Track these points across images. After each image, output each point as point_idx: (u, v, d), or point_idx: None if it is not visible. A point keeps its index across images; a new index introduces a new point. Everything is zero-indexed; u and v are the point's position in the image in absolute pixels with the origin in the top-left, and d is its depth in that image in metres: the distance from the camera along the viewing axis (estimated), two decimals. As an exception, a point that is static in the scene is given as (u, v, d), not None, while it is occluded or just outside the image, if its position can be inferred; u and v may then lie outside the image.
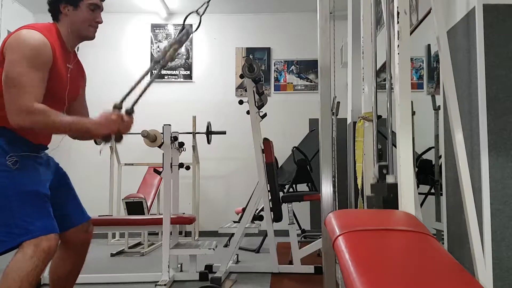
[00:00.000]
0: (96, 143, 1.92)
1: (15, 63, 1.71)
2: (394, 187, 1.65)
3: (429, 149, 3.97)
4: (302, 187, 5.22)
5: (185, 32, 1.93)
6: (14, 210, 1.71)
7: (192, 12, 1.97)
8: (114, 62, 6.41)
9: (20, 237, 1.68)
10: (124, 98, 1.90)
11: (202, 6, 2.00)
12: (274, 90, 6.43)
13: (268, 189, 3.66)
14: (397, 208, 1.59)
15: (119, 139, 1.92)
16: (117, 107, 1.86)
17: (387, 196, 1.71)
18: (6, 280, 1.64)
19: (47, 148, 1.97)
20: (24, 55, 1.71)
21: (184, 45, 1.96)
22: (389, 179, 1.76)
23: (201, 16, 1.99)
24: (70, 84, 1.94)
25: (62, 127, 1.77)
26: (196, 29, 2.00)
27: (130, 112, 1.89)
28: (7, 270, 1.66)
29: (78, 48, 2.06)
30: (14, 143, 1.77)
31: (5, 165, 1.72)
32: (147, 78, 1.96)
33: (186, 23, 1.98)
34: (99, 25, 1.98)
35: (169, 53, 1.92)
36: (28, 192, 1.74)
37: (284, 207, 3.72)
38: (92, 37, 1.98)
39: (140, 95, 1.88)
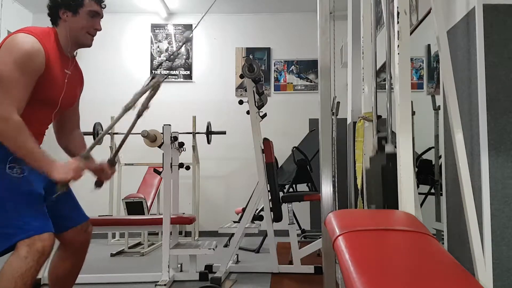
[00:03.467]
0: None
1: (4, 65, 1.70)
2: (393, 157, 1.64)
3: (429, 149, 3.96)
4: (302, 187, 5.21)
5: (155, 81, 1.92)
6: (8, 210, 1.70)
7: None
8: (114, 62, 6.41)
9: (14, 237, 1.68)
10: (91, 148, 1.92)
11: (172, 55, 1.99)
12: (274, 90, 6.43)
13: (268, 189, 3.66)
14: (396, 178, 1.58)
15: (99, 185, 2.00)
16: (84, 156, 1.86)
17: (386, 165, 1.69)
18: (1, 281, 1.63)
19: None
20: (15, 59, 1.70)
21: (157, 92, 1.96)
22: (388, 148, 1.74)
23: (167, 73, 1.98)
24: (67, 89, 1.93)
25: (25, 150, 1.72)
26: (165, 78, 2.00)
27: (111, 162, 1.97)
28: (2, 271, 1.65)
29: (76, 53, 2.05)
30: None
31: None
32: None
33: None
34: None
35: (142, 102, 1.92)
36: (22, 192, 1.73)
37: (284, 207, 3.72)
38: (89, 45, 1.97)
39: (120, 146, 1.96)
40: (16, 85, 1.70)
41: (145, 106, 1.90)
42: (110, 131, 5.00)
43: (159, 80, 1.90)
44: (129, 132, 1.94)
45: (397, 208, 1.57)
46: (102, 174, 1.99)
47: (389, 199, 1.68)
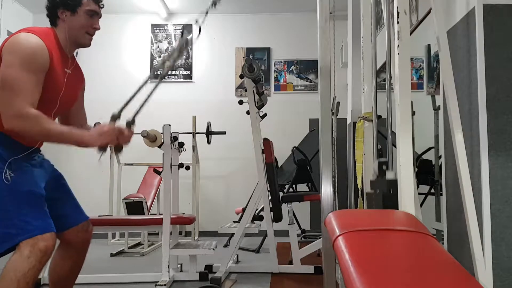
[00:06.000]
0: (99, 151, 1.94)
1: (11, 66, 1.70)
2: (393, 184, 1.65)
3: (429, 149, 3.97)
4: (302, 187, 5.21)
5: (183, 41, 1.92)
6: (10, 210, 1.71)
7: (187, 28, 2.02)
8: (114, 62, 6.41)
9: (17, 237, 1.69)
10: (123, 108, 1.90)
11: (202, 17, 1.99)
12: (274, 90, 6.43)
13: (268, 189, 3.66)
14: (397, 205, 1.59)
15: (118, 150, 1.93)
16: (115, 117, 1.86)
17: (387, 192, 1.71)
18: (4, 280, 1.64)
19: (40, 151, 1.97)
20: (21, 58, 1.71)
21: (183, 54, 1.95)
22: (389, 175, 1.75)
23: (200, 27, 1.98)
24: (68, 88, 1.93)
25: (54, 135, 1.76)
26: (198, 35, 1.99)
27: (130, 124, 1.90)
28: (4, 271, 1.66)
29: (77, 53, 2.05)
30: (7, 146, 1.77)
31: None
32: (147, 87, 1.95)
33: (186, 30, 2.02)
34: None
35: (168, 63, 1.92)
36: (24, 193, 1.74)
37: (284, 207, 3.72)
38: (88, 45, 1.97)
39: (141, 106, 1.89)
40: (25, 83, 1.70)
41: (176, 58, 1.96)
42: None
43: (188, 41, 1.94)
44: (151, 93, 1.90)
45: None
46: (121, 137, 1.89)
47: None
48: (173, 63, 1.97)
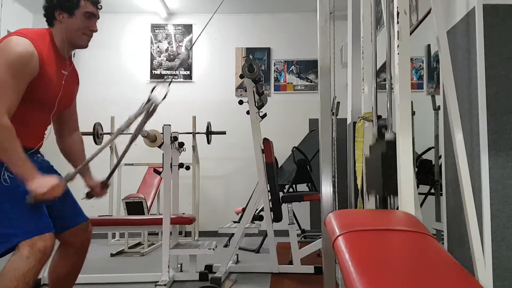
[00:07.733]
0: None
1: None
2: (392, 145, 1.64)
3: (429, 149, 3.97)
4: (302, 187, 5.21)
5: (151, 103, 1.83)
6: (8, 211, 1.71)
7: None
8: (114, 62, 6.41)
9: (16, 237, 1.69)
10: (76, 172, 1.91)
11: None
12: (274, 90, 6.43)
13: (268, 189, 3.66)
14: (396, 165, 1.58)
15: (89, 197, 2.07)
16: (68, 177, 1.85)
17: (386, 153, 1.69)
18: (3, 280, 1.64)
19: (39, 152, 1.97)
20: (7, 63, 1.70)
21: (150, 117, 1.85)
22: (388, 135, 1.74)
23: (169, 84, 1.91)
24: (65, 90, 1.92)
25: (8, 154, 1.70)
26: (163, 98, 1.86)
27: (104, 184, 2.02)
28: (4, 271, 1.66)
29: (74, 54, 2.04)
30: None
31: None
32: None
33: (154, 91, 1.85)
34: (98, 26, 1.97)
35: (137, 126, 1.88)
36: (22, 194, 1.73)
37: (284, 207, 3.72)
38: (85, 46, 1.96)
39: (115, 168, 2.02)
40: (7, 88, 1.69)
41: (138, 131, 1.90)
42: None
43: (156, 102, 1.82)
44: (124, 154, 1.98)
45: (397, 194, 1.57)
46: (94, 191, 2.06)
47: (389, 185, 1.68)
48: (142, 126, 1.87)
